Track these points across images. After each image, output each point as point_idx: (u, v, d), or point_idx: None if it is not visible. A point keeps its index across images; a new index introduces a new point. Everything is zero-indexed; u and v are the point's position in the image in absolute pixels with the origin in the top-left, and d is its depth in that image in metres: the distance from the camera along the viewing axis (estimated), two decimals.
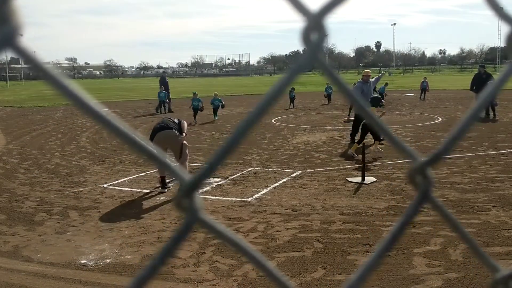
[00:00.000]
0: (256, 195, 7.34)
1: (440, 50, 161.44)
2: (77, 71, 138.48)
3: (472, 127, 0.49)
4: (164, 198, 7.40)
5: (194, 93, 18.75)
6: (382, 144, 11.49)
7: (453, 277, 4.36)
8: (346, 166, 9.35)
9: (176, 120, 8.41)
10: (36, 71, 0.30)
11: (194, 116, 17.81)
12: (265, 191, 7.60)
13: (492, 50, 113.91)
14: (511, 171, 8.41)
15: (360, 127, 10.53)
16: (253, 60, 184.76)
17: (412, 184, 0.48)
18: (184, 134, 8.18)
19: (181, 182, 0.37)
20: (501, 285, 0.55)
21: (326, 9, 0.37)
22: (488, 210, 6.26)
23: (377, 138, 11.11)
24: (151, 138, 8.03)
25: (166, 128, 8.02)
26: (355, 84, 13.09)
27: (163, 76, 24.75)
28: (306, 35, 0.36)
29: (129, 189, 8.03)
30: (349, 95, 0.41)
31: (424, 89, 26.90)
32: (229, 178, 8.51)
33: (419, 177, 0.48)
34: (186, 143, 8.27)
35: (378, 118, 0.45)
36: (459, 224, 0.54)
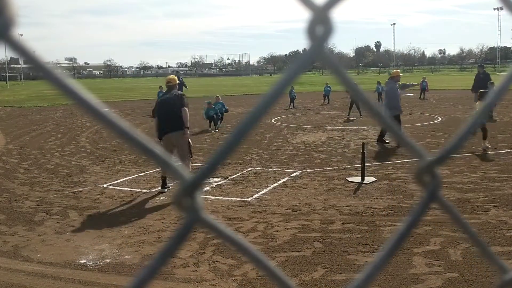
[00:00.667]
0: (256, 195, 7.34)
1: (440, 50, 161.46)
2: (76, 71, 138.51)
3: (479, 127, 0.48)
4: (164, 198, 7.39)
5: (209, 103, 15.91)
6: (388, 143, 11.46)
7: (453, 277, 4.36)
8: (346, 166, 9.35)
9: (179, 102, 7.79)
10: (31, 65, 0.29)
11: (212, 124, 15.60)
12: (265, 191, 7.59)
13: (492, 50, 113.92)
14: (510, 171, 8.41)
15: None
16: (253, 60, 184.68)
17: (419, 183, 0.47)
18: (187, 131, 7.78)
19: (182, 181, 0.36)
20: (509, 287, 0.54)
21: (332, 2, 0.36)
22: (488, 209, 6.26)
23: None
24: (159, 133, 7.79)
25: (174, 128, 7.68)
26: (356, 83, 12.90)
27: (176, 76, 23.50)
28: (311, 29, 0.35)
29: (129, 189, 8.02)
30: (356, 91, 0.40)
31: (423, 89, 26.91)
32: (229, 178, 8.51)
33: (427, 176, 0.47)
34: (191, 142, 8.14)
35: (387, 117, 0.44)
36: (467, 224, 0.53)
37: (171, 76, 8.56)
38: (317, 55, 0.36)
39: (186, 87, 22.74)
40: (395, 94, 11.41)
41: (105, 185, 8.31)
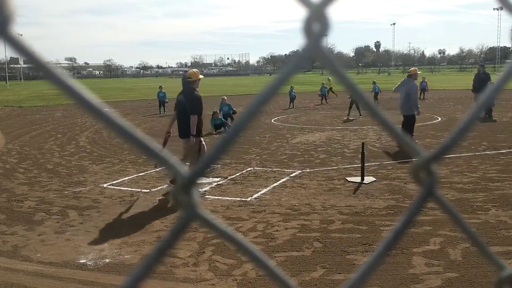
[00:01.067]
0: (256, 195, 7.34)
1: (440, 50, 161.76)
2: (76, 70, 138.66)
3: (475, 125, 0.48)
4: (163, 197, 7.39)
5: (215, 112, 15.43)
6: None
7: (452, 277, 4.36)
8: (346, 166, 9.35)
9: (188, 106, 7.35)
10: (30, 63, 0.29)
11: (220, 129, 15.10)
12: (264, 190, 7.59)
13: (492, 50, 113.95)
14: (510, 171, 8.41)
15: None
16: (253, 60, 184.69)
17: (416, 180, 0.48)
18: (192, 139, 7.40)
19: (178, 177, 0.37)
20: (506, 283, 0.55)
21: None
22: (487, 209, 6.26)
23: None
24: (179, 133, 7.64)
25: (182, 134, 7.53)
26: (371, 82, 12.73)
27: (185, 76, 22.09)
28: (307, 26, 0.35)
29: (129, 188, 8.02)
30: (353, 88, 0.40)
31: (423, 89, 26.90)
32: (229, 178, 8.50)
33: (423, 173, 0.47)
34: (205, 145, 7.85)
35: (383, 115, 0.44)
36: (464, 222, 0.53)
37: (192, 71, 7.89)
38: (314, 52, 0.36)
39: None
40: (416, 93, 11.31)
41: (104, 185, 8.31)
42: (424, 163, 0.46)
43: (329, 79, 27.35)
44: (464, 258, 4.75)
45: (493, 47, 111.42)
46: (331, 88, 27.49)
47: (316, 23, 0.35)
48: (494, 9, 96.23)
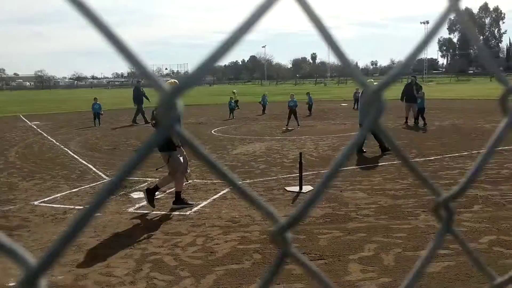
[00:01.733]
0: (195, 208, 7.27)
1: (372, 61, 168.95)
2: (5, 82, 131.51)
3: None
4: (99, 214, 7.14)
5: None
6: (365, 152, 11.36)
7: (386, 282, 4.53)
8: (284, 176, 9.49)
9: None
10: None
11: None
12: (204, 203, 7.55)
13: (420, 61, 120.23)
14: (438, 177, 8.87)
15: None
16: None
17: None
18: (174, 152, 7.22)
19: (25, 264, 0.34)
20: None
21: (180, 89, 0.40)
22: (417, 215, 6.57)
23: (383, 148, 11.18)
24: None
25: (162, 149, 7.13)
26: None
27: (137, 86, 21.87)
28: (163, 110, 0.39)
29: (62, 206, 7.69)
30: (199, 152, 0.42)
31: (357, 99, 27.85)
32: (167, 191, 8.36)
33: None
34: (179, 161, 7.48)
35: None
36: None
37: (169, 81, 7.76)
38: (165, 136, 0.40)
39: (148, 99, 21.30)
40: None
41: (35, 203, 7.91)
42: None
43: (233, 92, 28.05)
44: (397, 263, 4.95)
45: (421, 58, 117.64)
46: (236, 101, 28.39)
47: (168, 110, 0.39)
48: (421, 23, 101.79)
